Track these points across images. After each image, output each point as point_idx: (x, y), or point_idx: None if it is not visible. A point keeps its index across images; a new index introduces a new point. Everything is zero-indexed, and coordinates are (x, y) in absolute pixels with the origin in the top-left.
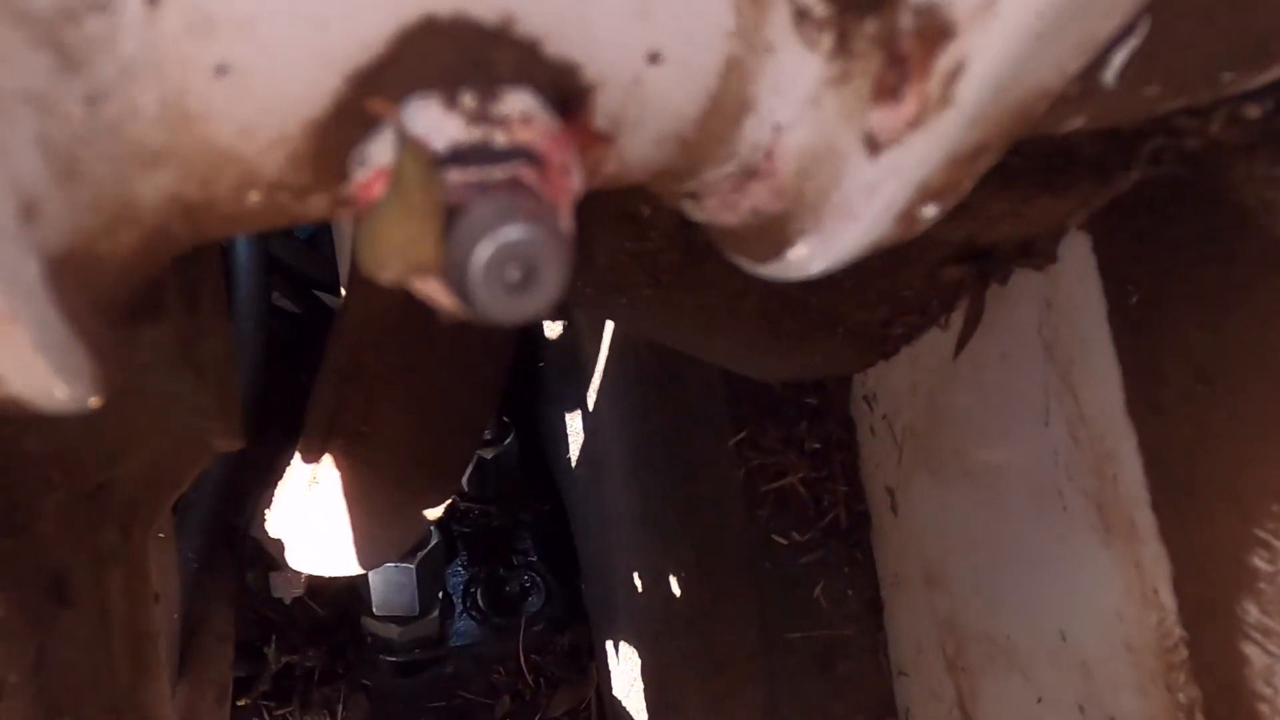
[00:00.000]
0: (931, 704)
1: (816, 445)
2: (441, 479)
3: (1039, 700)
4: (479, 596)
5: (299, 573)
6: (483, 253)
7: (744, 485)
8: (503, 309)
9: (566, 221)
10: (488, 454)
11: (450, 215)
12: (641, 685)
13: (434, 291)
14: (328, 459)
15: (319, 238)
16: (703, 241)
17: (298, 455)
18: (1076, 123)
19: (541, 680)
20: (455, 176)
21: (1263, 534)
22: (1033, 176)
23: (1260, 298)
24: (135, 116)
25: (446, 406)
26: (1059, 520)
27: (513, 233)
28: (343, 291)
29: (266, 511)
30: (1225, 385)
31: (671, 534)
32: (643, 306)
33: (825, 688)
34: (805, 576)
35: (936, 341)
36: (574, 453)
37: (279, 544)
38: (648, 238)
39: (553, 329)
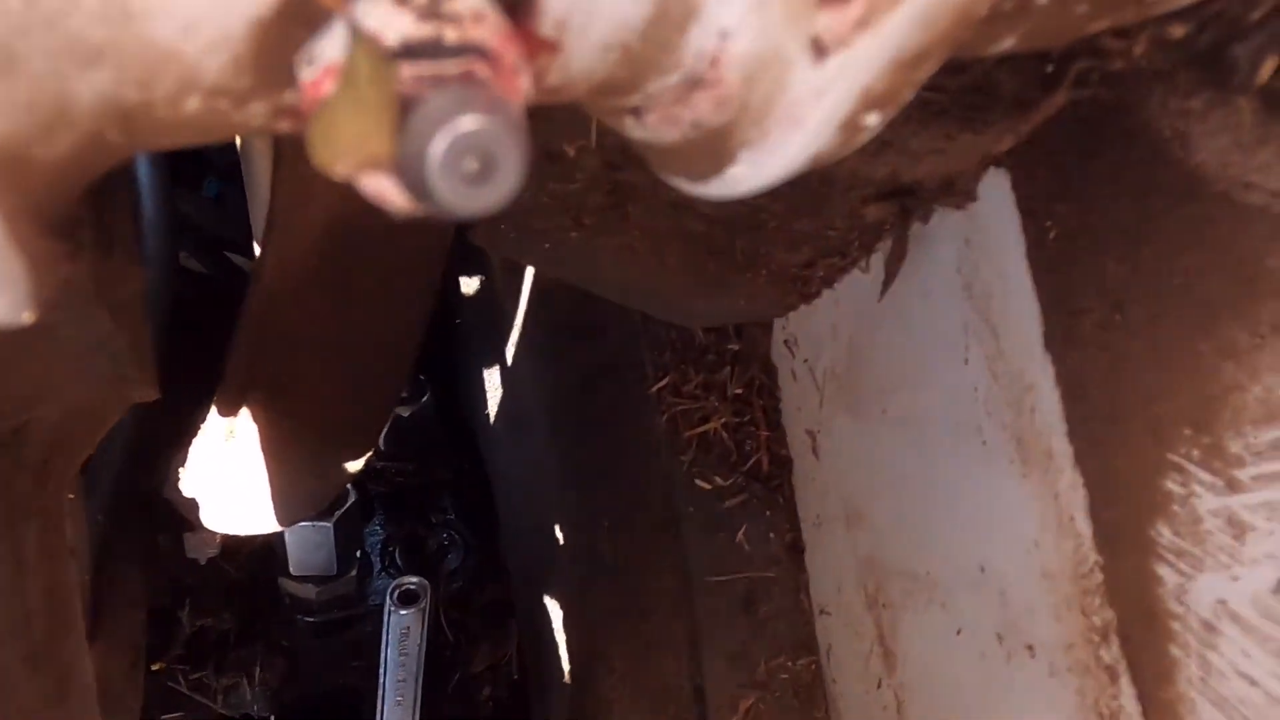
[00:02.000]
0: (853, 640)
1: (738, 390)
2: (362, 431)
3: (958, 632)
4: (397, 555)
5: (214, 533)
6: (439, 144)
7: (666, 432)
8: (461, 201)
9: (522, 116)
10: (404, 412)
11: (404, 109)
12: (565, 637)
13: (386, 190)
14: (245, 412)
15: (226, 197)
16: (628, 183)
17: (213, 409)
18: (1008, 43)
19: (462, 637)
20: (408, 71)
21: (1175, 458)
22: (955, 114)
23: (1172, 228)
24: (75, 9)
25: (369, 356)
26: (978, 455)
27: (469, 123)
28: (256, 247)
29: (179, 471)
30: (1140, 315)
31: (593, 485)
32: (565, 250)
33: (748, 629)
34: (728, 520)
35: (857, 284)
36: (493, 409)
37: (193, 503)
38: (573, 179)
39: (470, 285)
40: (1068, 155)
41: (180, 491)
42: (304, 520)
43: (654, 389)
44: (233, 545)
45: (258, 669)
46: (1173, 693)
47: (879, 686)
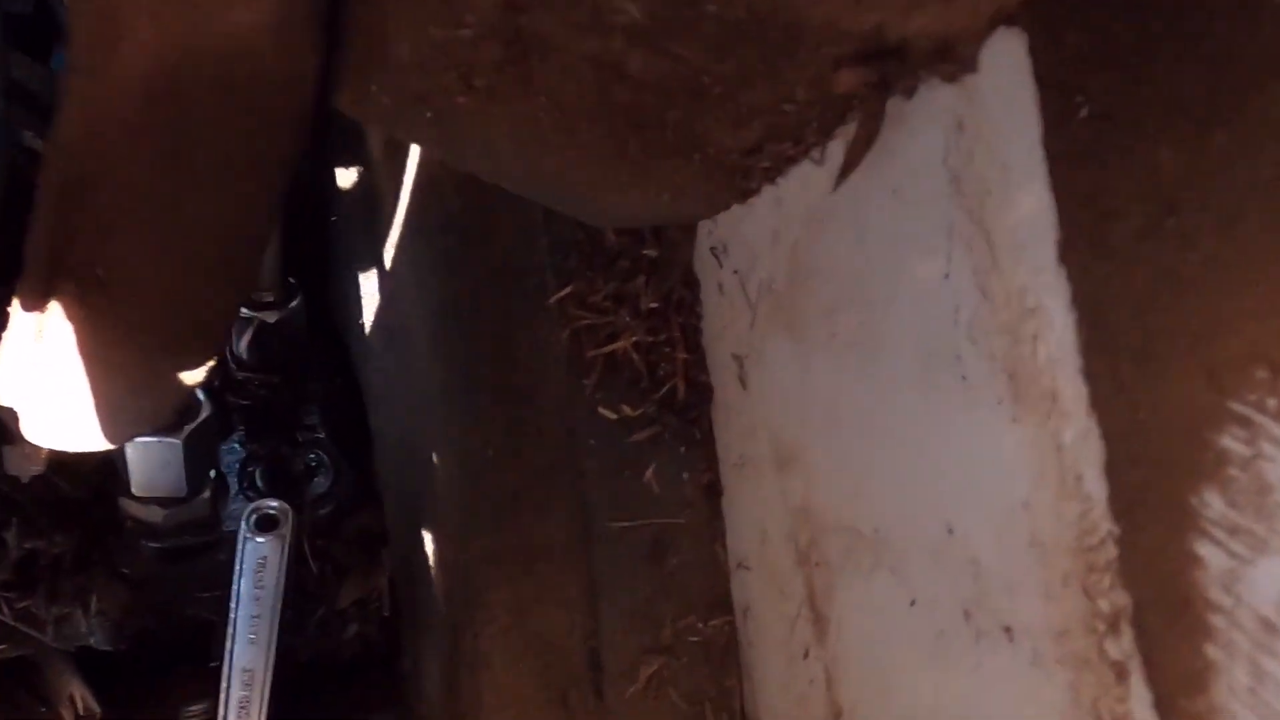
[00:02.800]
0: (776, 601)
1: (653, 304)
2: (201, 335)
3: (912, 603)
4: (257, 476)
5: (37, 447)
6: None
7: (567, 350)
8: None
9: None
10: (270, 318)
11: None
12: (443, 578)
13: None
14: (56, 308)
15: None
16: (534, 31)
17: (16, 303)
18: None
19: (328, 568)
20: None
21: (1240, 408)
22: None
23: (1263, 108)
24: None
25: (206, 242)
26: (954, 392)
27: None
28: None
29: None
30: (1202, 221)
31: (479, 409)
32: (453, 122)
33: (653, 583)
34: (635, 457)
35: (806, 179)
36: (368, 318)
37: (10, 412)
38: (462, 22)
39: (347, 177)
40: (1112, 10)
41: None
42: (141, 437)
43: (555, 299)
44: (62, 460)
45: (94, 598)
46: (1205, 703)
47: (805, 657)
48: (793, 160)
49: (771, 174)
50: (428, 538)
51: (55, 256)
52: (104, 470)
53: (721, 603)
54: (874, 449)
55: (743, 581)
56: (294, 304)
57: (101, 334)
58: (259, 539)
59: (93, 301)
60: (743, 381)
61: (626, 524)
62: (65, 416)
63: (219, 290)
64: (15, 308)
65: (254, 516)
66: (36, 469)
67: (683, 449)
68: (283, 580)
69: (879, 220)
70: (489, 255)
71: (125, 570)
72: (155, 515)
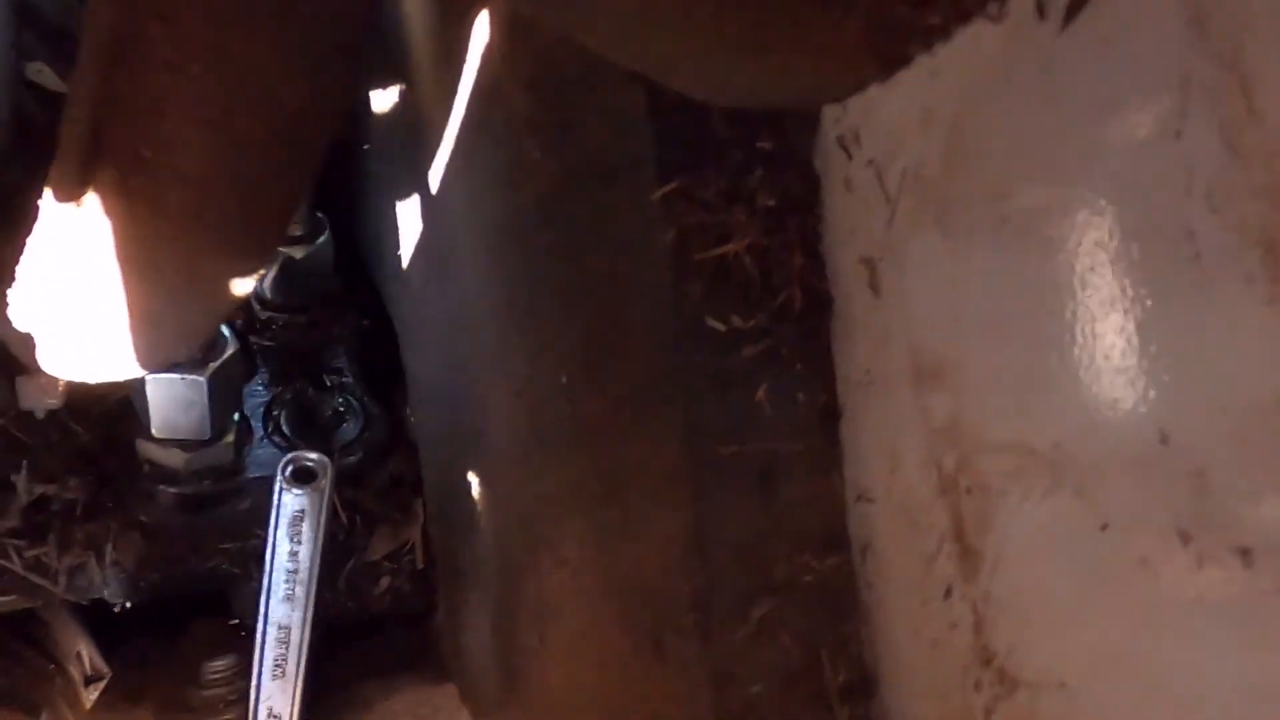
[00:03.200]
0: (908, 536)
1: (770, 203)
2: (258, 232)
3: (1104, 527)
4: (283, 421)
5: (54, 379)
6: None
7: (672, 252)
8: None
9: None
10: (297, 253)
11: None
12: (495, 523)
13: None
14: (92, 200)
15: None
16: None
17: (47, 197)
18: None
19: (358, 518)
20: None
21: None
22: None
23: None
24: None
25: (272, 115)
26: (1180, 272)
27: None
28: None
29: (8, 294)
30: None
31: (549, 330)
32: None
33: (764, 516)
34: (745, 374)
35: (976, 42)
36: (406, 250)
37: (27, 339)
38: None
39: (383, 100)
40: None
41: (9, 325)
42: (171, 368)
43: (660, 194)
44: (80, 396)
45: (109, 547)
46: None
47: (947, 596)
48: (966, 17)
49: (935, 36)
50: (474, 480)
51: (94, 135)
52: (121, 410)
53: (838, 539)
54: (1054, 352)
55: (863, 516)
56: (321, 239)
57: (144, 228)
58: (296, 491)
59: (136, 188)
60: (874, 288)
61: (735, 449)
62: (91, 340)
63: (282, 177)
64: (44, 205)
65: (290, 468)
66: (53, 403)
67: (798, 366)
68: (321, 535)
69: (1079, 78)
70: (570, 155)
71: (142, 518)
72: (175, 459)
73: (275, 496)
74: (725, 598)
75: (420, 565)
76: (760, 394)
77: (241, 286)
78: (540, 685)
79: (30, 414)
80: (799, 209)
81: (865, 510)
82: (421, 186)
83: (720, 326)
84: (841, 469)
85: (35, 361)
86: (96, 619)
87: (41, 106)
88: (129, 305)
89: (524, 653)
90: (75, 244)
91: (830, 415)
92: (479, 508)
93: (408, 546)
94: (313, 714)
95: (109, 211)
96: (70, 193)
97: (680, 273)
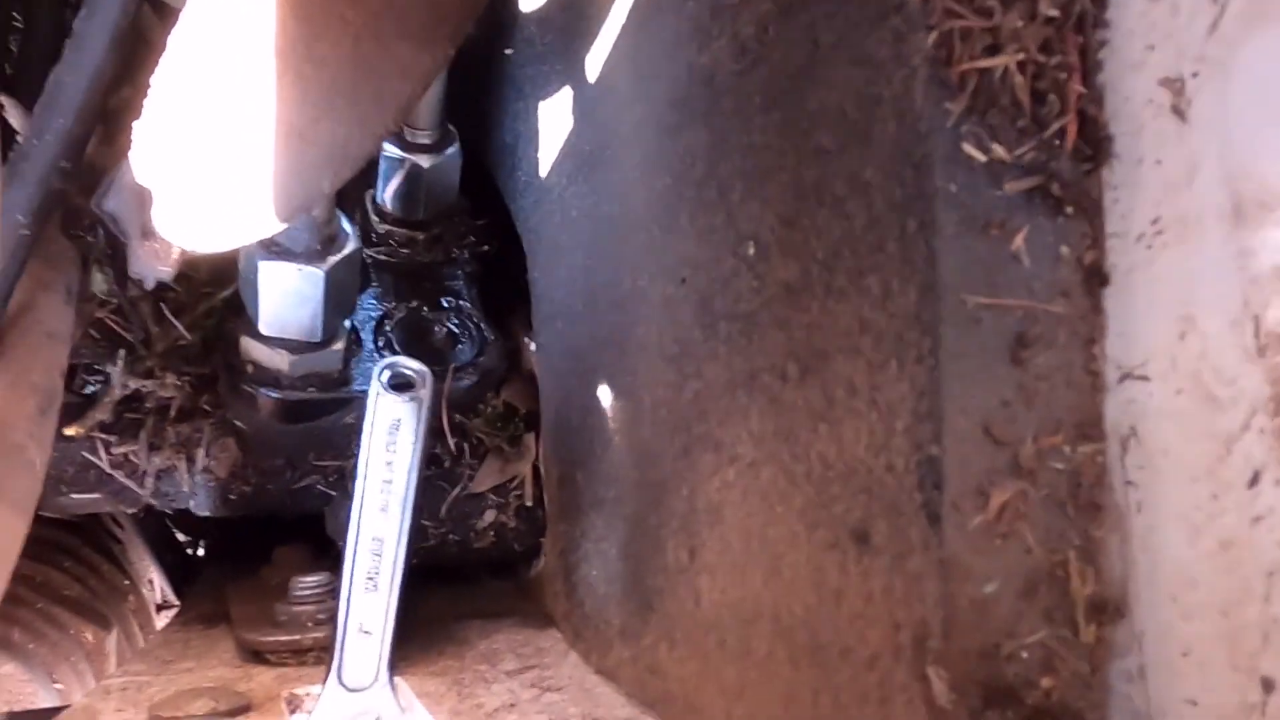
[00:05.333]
0: (1199, 413)
1: (1053, 12)
2: (444, 22)
3: None
4: (394, 336)
5: (168, 244)
6: None
7: (929, 60)
8: None
9: None
10: (424, 162)
11: None
12: (637, 436)
13: None
14: None
15: None
16: None
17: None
18: None
19: (466, 446)
20: None
21: None
22: None
23: None
24: None
25: None
26: None
27: None
28: None
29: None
30: None
31: (734, 197)
32: None
33: (1013, 385)
34: (1003, 214)
35: None
36: (548, 154)
37: (143, 198)
38: None
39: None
40: None
41: (121, 197)
42: (288, 256)
43: None
44: (186, 288)
45: (201, 451)
46: None
47: (1253, 484)
48: None
49: None
50: (609, 396)
51: None
52: (226, 309)
53: (1094, 424)
54: None
55: (1130, 398)
56: (451, 150)
57: (314, 4)
58: (392, 396)
59: None
60: (1179, 113)
61: (984, 302)
62: (215, 190)
63: None
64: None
65: (387, 374)
66: (165, 271)
67: (1067, 211)
68: (420, 447)
69: None
70: None
71: (239, 424)
72: (281, 360)
73: (370, 402)
74: (962, 477)
75: (529, 503)
76: (1018, 241)
77: (408, 92)
78: (687, 605)
79: (132, 304)
80: (1083, 24)
81: (1133, 391)
82: (575, 79)
83: (979, 155)
84: (1103, 342)
85: (149, 225)
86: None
87: (162, 23)
88: (277, 116)
89: (665, 572)
90: (212, 59)
91: (1096, 275)
92: (612, 425)
93: (516, 481)
94: (405, 642)
95: None
96: None
97: (936, 86)
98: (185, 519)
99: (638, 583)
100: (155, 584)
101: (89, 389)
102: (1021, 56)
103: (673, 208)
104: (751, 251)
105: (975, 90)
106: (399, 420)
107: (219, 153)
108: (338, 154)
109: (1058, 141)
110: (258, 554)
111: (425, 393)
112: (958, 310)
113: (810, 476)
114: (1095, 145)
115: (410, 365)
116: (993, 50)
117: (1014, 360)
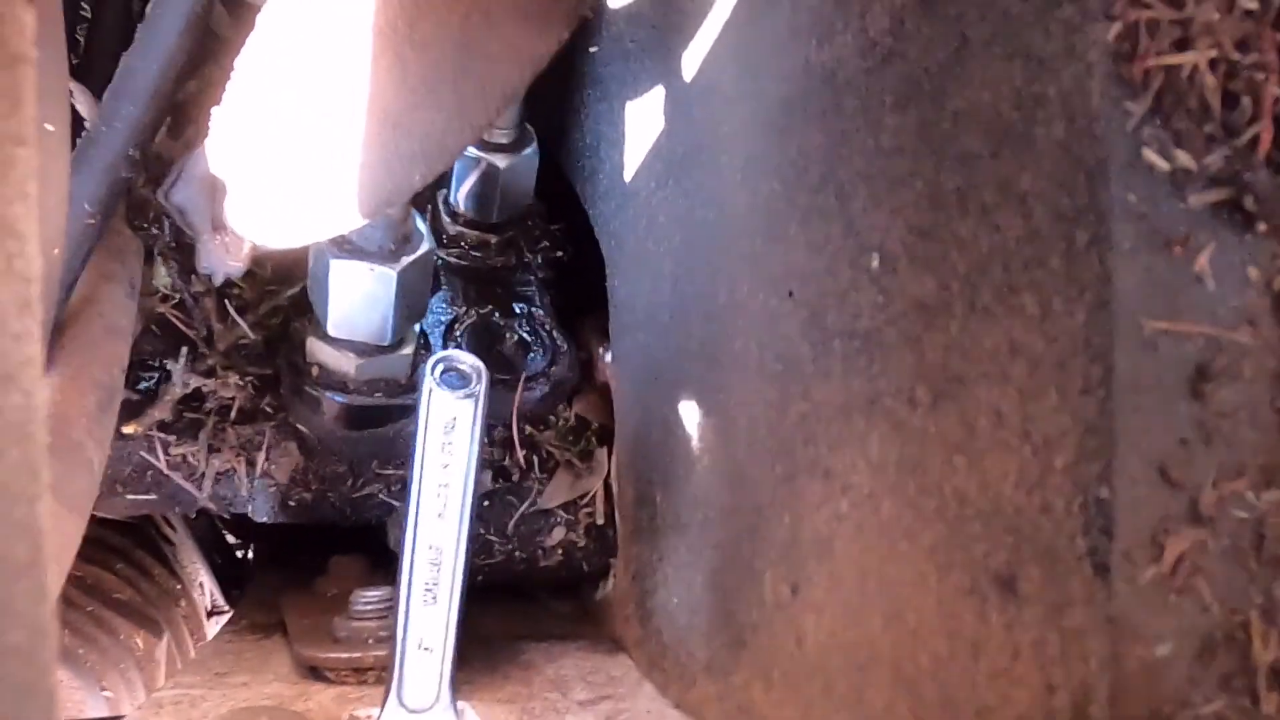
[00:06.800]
0: None
1: (1251, 5)
2: (554, 3)
3: None
4: (463, 342)
5: (239, 238)
6: None
7: (1110, 55)
8: None
9: None
10: (500, 162)
11: None
12: (730, 458)
13: None
14: None
15: None
16: None
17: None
18: None
19: (536, 460)
20: None
21: None
22: None
23: None
24: None
25: None
26: None
27: None
28: None
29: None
30: None
31: (857, 205)
32: None
33: (1194, 423)
34: (1186, 229)
35: None
36: (635, 156)
37: (215, 189)
38: None
39: None
40: None
41: (189, 189)
42: (360, 255)
43: None
44: (252, 287)
45: (262, 455)
46: None
47: None
48: None
49: None
50: (698, 413)
51: None
52: (293, 309)
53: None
54: None
55: None
56: (528, 150)
57: None
58: (446, 393)
59: None
60: None
61: (1163, 327)
62: (301, 179)
63: None
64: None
65: (439, 368)
66: (235, 267)
67: (1259, 228)
68: (477, 447)
69: None
70: None
71: (301, 428)
72: (348, 363)
73: (423, 400)
74: (1135, 523)
75: (599, 521)
76: (1202, 260)
77: (516, 79)
78: (788, 645)
79: (195, 300)
80: None
81: None
82: (669, 78)
83: (1162, 163)
84: None
85: (220, 218)
86: (218, 558)
87: (233, 19)
88: (371, 102)
89: (762, 607)
90: (303, 41)
91: None
92: (700, 444)
93: (587, 498)
94: (466, 663)
95: None
96: None
97: (1115, 85)
98: (237, 522)
99: (728, 615)
100: (206, 588)
101: (146, 385)
102: (1214, 54)
103: (780, 215)
104: (875, 264)
105: (1160, 90)
106: (454, 419)
107: (303, 142)
108: (434, 145)
109: (1250, 150)
110: (310, 562)
111: (481, 389)
112: (1133, 336)
113: (943, 513)
114: None
115: (465, 359)
116: (1182, 45)
117: (1194, 394)
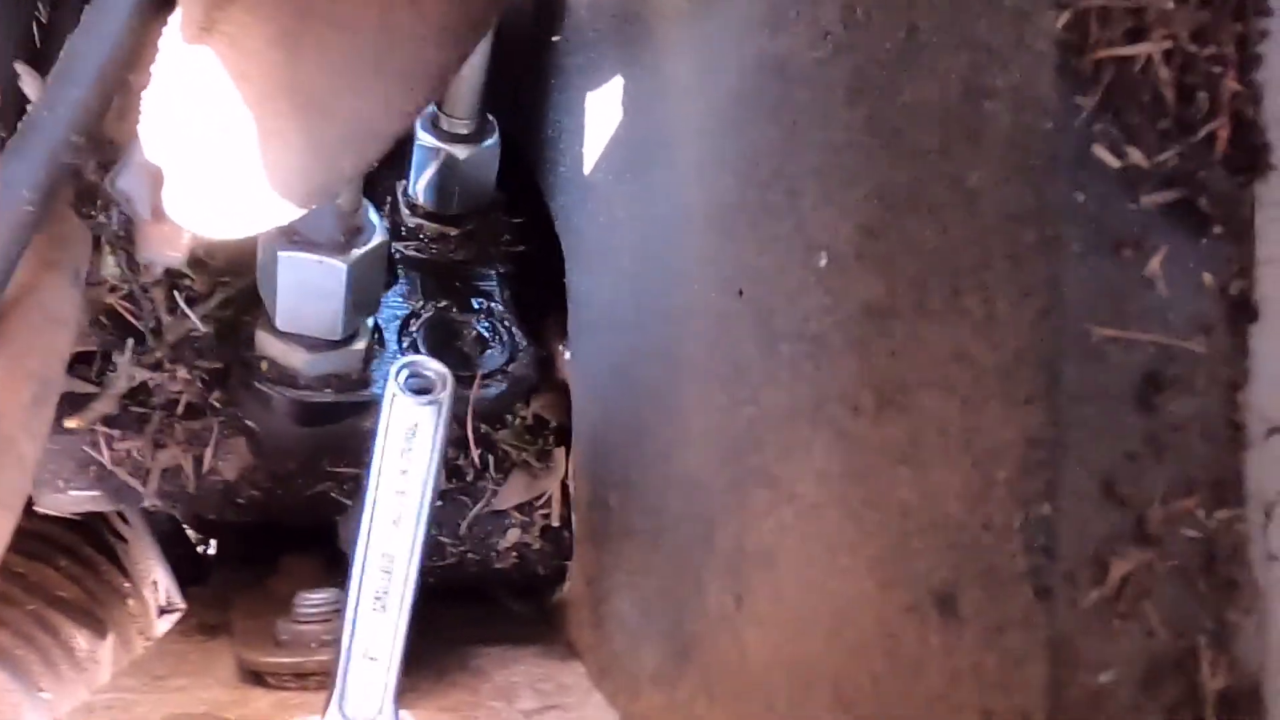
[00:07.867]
0: None
1: None
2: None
3: None
4: (419, 338)
5: (179, 227)
6: None
7: (1059, 45)
8: None
9: None
10: (460, 153)
11: None
12: (681, 462)
13: None
14: None
15: None
16: None
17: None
18: None
19: (491, 459)
20: None
21: None
22: None
23: None
24: None
25: None
26: None
27: None
28: None
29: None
30: None
31: (804, 203)
32: None
33: (1142, 436)
34: (1138, 231)
35: None
36: (594, 147)
37: (153, 178)
38: None
39: None
40: None
41: (133, 175)
42: (309, 248)
43: None
44: (199, 277)
45: (209, 450)
46: None
47: None
48: None
49: None
50: (651, 415)
51: None
52: (242, 301)
53: (1234, 485)
54: None
55: (1278, 455)
56: (489, 141)
57: None
58: (410, 399)
59: None
60: None
61: (1112, 334)
62: (229, 169)
63: None
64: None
65: (404, 373)
66: (174, 257)
67: (1214, 231)
68: (438, 457)
69: None
70: None
71: (250, 424)
72: (297, 358)
73: (386, 404)
74: (1079, 542)
75: (555, 524)
76: (1155, 263)
77: (442, 62)
78: (731, 658)
79: (143, 290)
80: (1243, 9)
81: None
82: (629, 69)
83: (1113, 161)
84: (1248, 388)
85: (159, 207)
86: (177, 552)
87: None
88: (294, 85)
89: (706, 618)
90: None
91: (1243, 309)
92: (654, 449)
93: (543, 499)
94: (415, 667)
95: None
96: None
97: (1065, 77)
98: (198, 517)
99: (675, 625)
100: (160, 586)
101: (93, 379)
102: (1169, 45)
103: (732, 211)
104: (823, 264)
105: (1111, 83)
106: (416, 425)
107: (230, 128)
108: (362, 132)
109: (1206, 148)
110: (270, 559)
111: (445, 396)
112: (1080, 343)
113: (885, 526)
114: (1250, 154)
115: (430, 365)
116: (1136, 35)
117: (1143, 405)
